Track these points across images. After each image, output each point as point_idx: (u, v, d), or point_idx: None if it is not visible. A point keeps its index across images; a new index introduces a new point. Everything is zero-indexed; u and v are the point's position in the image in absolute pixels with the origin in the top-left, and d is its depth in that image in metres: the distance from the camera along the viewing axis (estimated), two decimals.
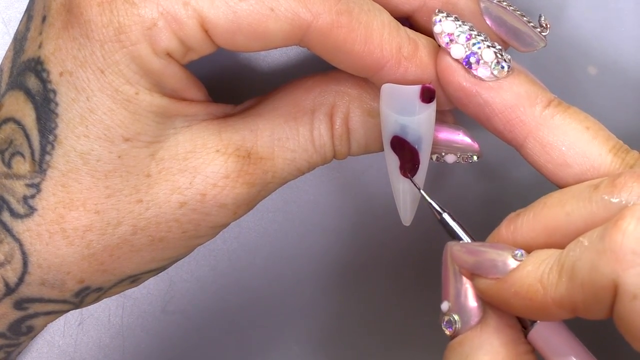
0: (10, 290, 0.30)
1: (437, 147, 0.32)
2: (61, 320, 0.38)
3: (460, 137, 0.32)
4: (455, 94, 0.30)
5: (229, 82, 0.37)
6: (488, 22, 0.32)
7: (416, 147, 0.31)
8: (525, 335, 0.29)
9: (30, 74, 0.30)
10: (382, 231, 0.39)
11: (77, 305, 0.32)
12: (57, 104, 0.29)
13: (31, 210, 0.30)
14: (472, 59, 0.30)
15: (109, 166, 0.30)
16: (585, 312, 0.26)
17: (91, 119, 0.29)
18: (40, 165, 0.29)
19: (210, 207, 0.31)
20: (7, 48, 0.32)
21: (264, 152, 0.31)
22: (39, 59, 0.30)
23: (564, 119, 0.30)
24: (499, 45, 0.30)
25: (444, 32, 0.30)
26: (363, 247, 0.39)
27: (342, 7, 0.29)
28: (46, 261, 0.30)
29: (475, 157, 0.33)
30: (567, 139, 0.30)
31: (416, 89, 0.30)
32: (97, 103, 0.29)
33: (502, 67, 0.30)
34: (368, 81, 0.32)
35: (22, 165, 0.30)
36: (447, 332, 0.30)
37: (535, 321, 0.29)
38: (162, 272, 0.33)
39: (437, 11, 0.30)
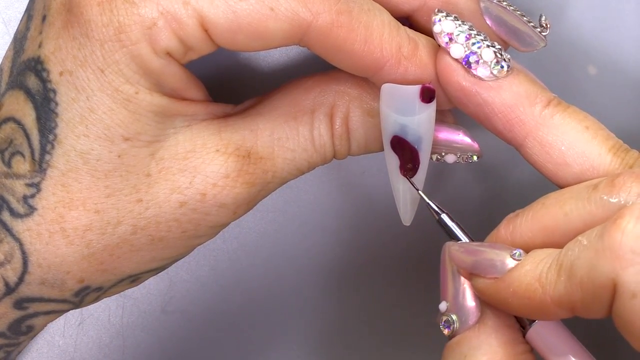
0: (10, 289, 0.30)
1: (437, 147, 0.32)
2: (61, 320, 0.38)
3: (460, 137, 0.32)
4: (454, 93, 0.30)
5: (229, 82, 0.37)
6: (488, 21, 0.32)
7: (416, 147, 0.31)
8: (524, 335, 0.29)
9: (30, 74, 0.30)
10: (382, 231, 0.39)
11: (77, 304, 0.32)
12: (57, 104, 0.29)
13: (31, 209, 0.30)
14: (472, 59, 0.30)
15: (109, 166, 0.30)
16: (584, 311, 0.26)
17: (91, 118, 0.29)
18: (40, 165, 0.29)
19: (210, 206, 0.31)
20: (7, 48, 0.32)
21: (264, 152, 0.31)
22: (39, 59, 0.30)
23: (564, 118, 0.30)
24: (499, 44, 0.30)
25: (444, 32, 0.30)
26: (363, 247, 0.39)
27: (342, 6, 0.29)
28: (46, 261, 0.30)
29: (475, 157, 0.33)
30: (567, 138, 0.30)
31: (416, 88, 0.30)
32: (97, 102, 0.29)
33: (502, 67, 0.30)
34: (368, 81, 0.32)
35: (22, 165, 0.30)
36: (445, 332, 0.30)
37: (533, 321, 0.29)
38: (162, 272, 0.33)
39: (436, 11, 0.30)
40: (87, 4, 0.28)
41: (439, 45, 0.30)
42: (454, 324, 0.29)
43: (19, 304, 0.31)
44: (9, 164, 0.30)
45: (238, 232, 0.39)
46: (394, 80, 0.30)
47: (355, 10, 0.29)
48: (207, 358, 0.39)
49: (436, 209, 0.31)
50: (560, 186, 0.30)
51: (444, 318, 0.30)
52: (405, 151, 0.31)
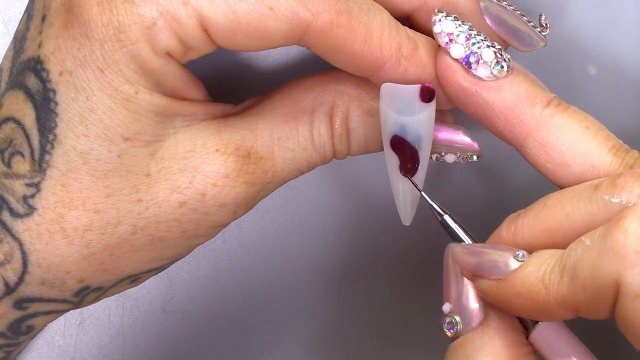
0: (10, 289, 0.30)
1: (437, 146, 0.32)
2: (61, 320, 0.38)
3: (460, 137, 0.32)
4: (455, 94, 0.30)
5: (229, 82, 0.37)
6: (488, 21, 0.32)
7: (416, 146, 0.31)
8: (527, 337, 0.29)
9: (29, 74, 0.30)
10: (383, 231, 0.39)
11: (77, 304, 0.32)
12: (56, 104, 0.29)
13: (31, 209, 0.30)
14: (472, 59, 0.30)
15: (109, 165, 0.30)
16: (588, 311, 0.26)
17: (91, 118, 0.29)
18: (40, 165, 0.29)
19: (210, 206, 0.31)
20: (7, 48, 0.32)
21: (264, 152, 0.31)
22: (39, 59, 0.30)
23: (564, 118, 0.30)
24: (499, 45, 0.30)
25: (444, 32, 0.30)
26: (363, 248, 0.39)
27: (341, 6, 0.29)
28: (46, 260, 0.30)
29: (475, 157, 0.33)
30: (567, 138, 0.30)
31: (415, 88, 0.30)
32: (96, 102, 0.29)
33: (502, 67, 0.30)
34: (368, 81, 0.32)
35: (21, 165, 0.30)
36: (449, 333, 0.30)
37: (537, 322, 0.29)
38: (162, 272, 0.33)
39: (436, 11, 0.30)
40: (86, 3, 0.28)
41: (439, 46, 0.30)
42: (457, 326, 0.29)
43: (19, 304, 0.31)
44: (8, 164, 0.30)
45: (238, 232, 0.39)
46: (394, 80, 0.30)
47: (355, 10, 0.29)
48: (207, 358, 0.39)
49: (439, 210, 0.31)
50: (561, 186, 0.30)
51: (447, 319, 0.30)
52: (405, 151, 0.31)
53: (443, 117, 0.33)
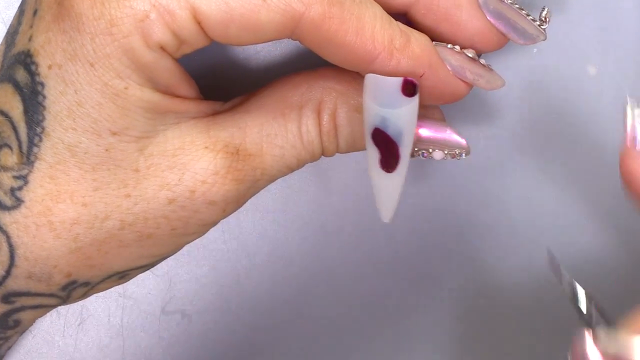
0: None
1: (425, 143, 0.32)
2: (61, 320, 0.38)
3: (448, 134, 0.32)
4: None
5: (218, 80, 0.37)
6: (487, 15, 0.31)
7: (397, 141, 0.30)
8: None
9: (19, 67, 0.30)
10: (383, 232, 0.38)
11: (65, 299, 0.31)
12: (44, 97, 0.29)
13: (18, 202, 0.30)
14: None
15: (97, 159, 0.29)
16: None
17: (79, 112, 0.29)
18: (28, 157, 0.29)
19: (200, 204, 0.30)
20: None
21: (253, 149, 0.31)
22: (29, 52, 0.30)
23: None
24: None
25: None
26: (363, 247, 0.39)
27: None
28: (33, 254, 0.30)
29: (463, 154, 0.32)
30: None
31: (398, 80, 0.29)
32: (85, 96, 0.29)
33: None
34: (356, 78, 0.31)
35: (9, 157, 0.30)
36: None
37: None
38: (162, 272, 0.33)
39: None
40: None
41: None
42: None
43: (6, 298, 0.31)
44: None
45: (238, 232, 0.38)
46: (386, 73, 0.29)
47: (347, 2, 0.29)
48: (207, 358, 0.39)
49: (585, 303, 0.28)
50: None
51: None
52: (386, 145, 0.30)
53: (431, 114, 0.32)
